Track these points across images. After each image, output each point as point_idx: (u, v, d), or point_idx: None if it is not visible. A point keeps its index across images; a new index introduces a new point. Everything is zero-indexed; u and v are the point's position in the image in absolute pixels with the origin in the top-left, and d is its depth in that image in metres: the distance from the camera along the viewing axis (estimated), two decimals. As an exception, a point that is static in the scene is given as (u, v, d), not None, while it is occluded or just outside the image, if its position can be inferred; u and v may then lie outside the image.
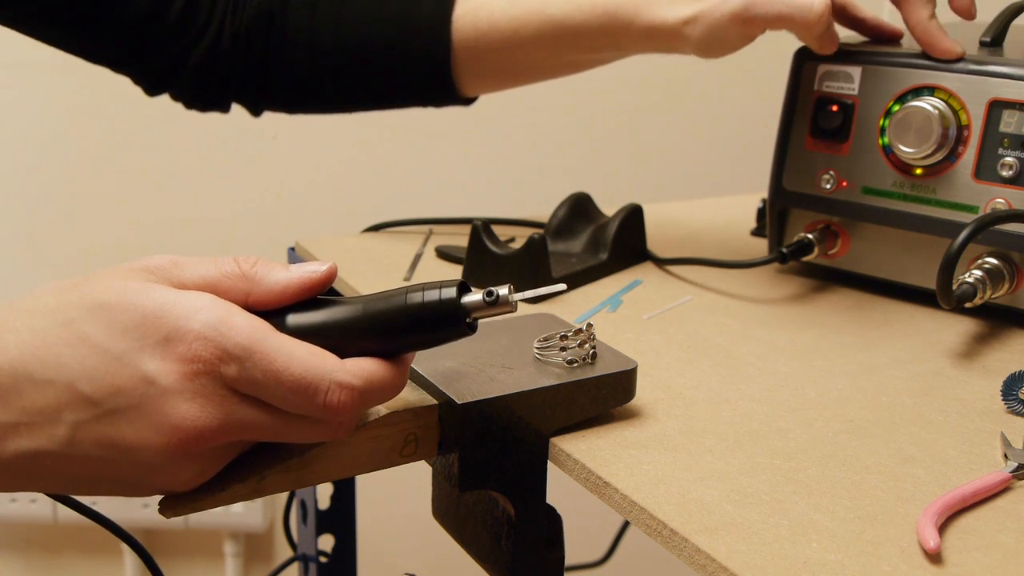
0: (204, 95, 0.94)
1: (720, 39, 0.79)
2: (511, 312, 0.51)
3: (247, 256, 0.52)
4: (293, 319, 0.52)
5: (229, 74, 0.93)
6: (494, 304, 0.51)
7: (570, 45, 0.86)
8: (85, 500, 0.59)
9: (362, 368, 0.50)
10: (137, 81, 0.94)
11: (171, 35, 0.90)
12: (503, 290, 0.51)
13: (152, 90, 0.94)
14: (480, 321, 0.52)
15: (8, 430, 0.48)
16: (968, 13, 0.79)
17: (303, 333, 0.51)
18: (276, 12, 0.91)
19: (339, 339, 0.51)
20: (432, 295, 0.51)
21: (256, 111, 0.97)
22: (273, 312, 0.52)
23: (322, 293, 0.53)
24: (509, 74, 0.92)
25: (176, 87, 0.93)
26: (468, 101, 0.96)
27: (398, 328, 0.51)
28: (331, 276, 0.52)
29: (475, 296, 0.51)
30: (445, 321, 0.51)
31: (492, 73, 0.92)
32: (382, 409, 0.57)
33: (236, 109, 0.98)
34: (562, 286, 0.55)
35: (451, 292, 0.51)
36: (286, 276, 0.52)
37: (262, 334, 0.49)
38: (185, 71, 0.91)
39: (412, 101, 0.95)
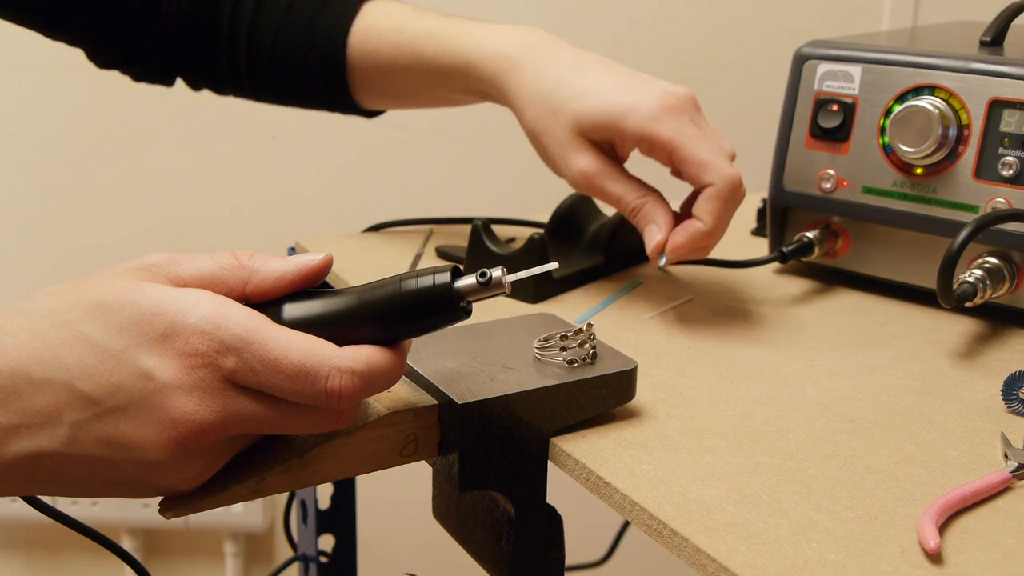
0: (151, 74, 0.97)
1: (545, 162, 0.81)
2: (504, 294, 0.52)
3: (245, 250, 0.53)
4: (289, 311, 0.52)
5: (173, 57, 0.95)
6: (487, 286, 0.51)
7: (439, 83, 0.87)
8: (68, 502, 0.59)
9: (361, 354, 0.50)
10: (91, 57, 0.96)
11: (133, 18, 0.92)
12: (496, 272, 0.51)
13: (105, 67, 0.97)
14: (478, 316, 0.52)
15: (9, 432, 0.48)
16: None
17: (300, 324, 0.51)
18: (208, 2, 0.94)
19: (336, 329, 0.51)
20: (426, 280, 0.51)
21: (195, 87, 0.99)
22: (269, 304, 0.52)
23: (317, 286, 0.53)
24: (392, 96, 0.94)
25: (129, 66, 0.96)
26: (371, 113, 0.96)
27: (394, 315, 0.51)
28: (327, 265, 0.53)
29: (468, 280, 0.51)
30: (440, 305, 0.51)
31: (379, 92, 0.93)
32: (382, 409, 0.57)
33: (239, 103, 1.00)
34: (554, 265, 0.55)
35: (444, 277, 0.51)
36: (283, 264, 0.52)
37: (258, 324, 0.49)
38: (141, 53, 0.94)
39: (317, 105, 0.96)
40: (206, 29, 0.93)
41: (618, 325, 0.77)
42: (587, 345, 0.62)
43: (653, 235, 0.76)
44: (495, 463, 0.59)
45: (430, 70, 0.86)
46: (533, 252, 0.80)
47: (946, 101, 0.78)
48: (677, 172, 0.77)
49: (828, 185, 0.84)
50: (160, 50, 0.94)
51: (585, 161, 0.77)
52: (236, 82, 0.96)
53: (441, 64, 0.85)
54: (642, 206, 0.76)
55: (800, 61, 0.85)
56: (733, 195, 0.74)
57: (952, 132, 0.77)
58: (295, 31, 0.92)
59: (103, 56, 0.95)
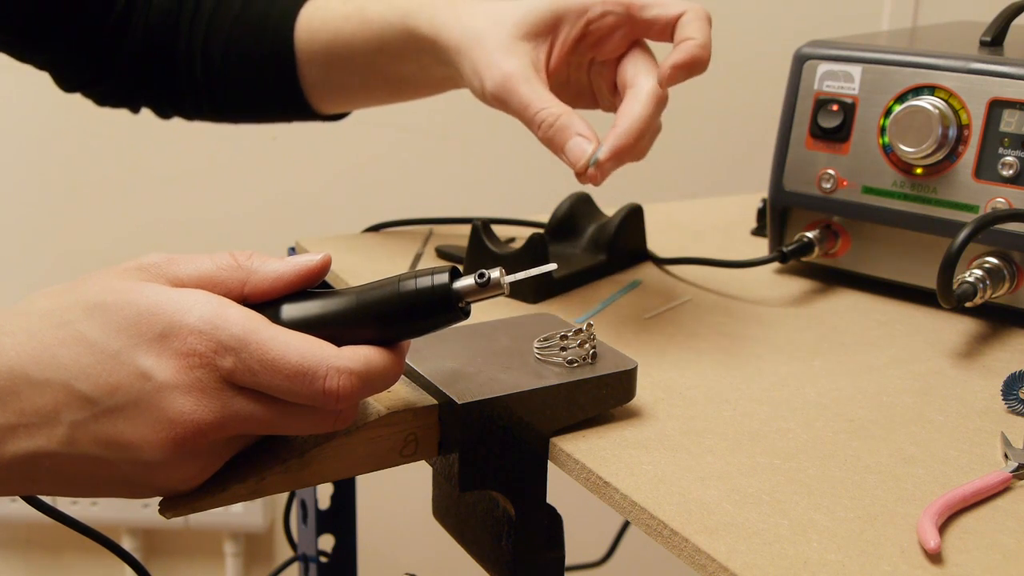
0: (116, 96, 0.93)
1: (469, 80, 0.75)
2: (503, 295, 0.52)
3: (243, 250, 0.53)
4: (288, 311, 0.52)
5: (139, 76, 0.91)
6: (485, 287, 0.51)
7: (380, 49, 0.82)
8: (68, 502, 0.59)
9: (359, 354, 0.50)
10: (58, 79, 0.92)
11: (106, 36, 0.89)
12: (494, 272, 0.51)
13: (71, 90, 0.93)
14: (478, 316, 0.52)
15: (7, 432, 0.48)
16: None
17: (298, 325, 0.51)
18: (173, 16, 0.89)
19: (334, 329, 0.51)
20: (424, 281, 0.51)
21: (164, 115, 0.96)
22: (267, 304, 0.52)
23: (316, 286, 0.53)
24: (338, 83, 0.88)
25: (96, 86, 0.92)
26: (327, 117, 0.92)
27: (392, 316, 0.51)
28: (325, 266, 0.53)
29: (467, 280, 0.51)
30: (438, 306, 0.51)
31: (325, 77, 0.87)
32: (382, 409, 0.57)
33: None
34: (552, 266, 0.55)
35: (443, 277, 0.51)
36: (281, 265, 0.52)
37: (256, 325, 0.49)
38: (110, 73, 0.90)
39: (273, 112, 0.92)
40: (168, 42, 0.89)
41: (618, 325, 0.77)
42: (587, 345, 0.62)
43: (582, 145, 0.69)
44: (495, 463, 0.58)
45: (370, 34, 0.82)
46: (533, 252, 0.80)
47: (946, 101, 0.78)
48: (638, 32, 0.73)
49: (828, 185, 0.84)
50: (129, 68, 0.90)
51: (513, 63, 0.70)
52: (195, 97, 0.91)
53: (384, 23, 0.80)
54: (559, 116, 0.69)
55: (800, 61, 0.85)
56: (709, 18, 0.70)
57: (952, 132, 0.77)
58: (246, 30, 0.88)
59: (71, 78, 0.91)
